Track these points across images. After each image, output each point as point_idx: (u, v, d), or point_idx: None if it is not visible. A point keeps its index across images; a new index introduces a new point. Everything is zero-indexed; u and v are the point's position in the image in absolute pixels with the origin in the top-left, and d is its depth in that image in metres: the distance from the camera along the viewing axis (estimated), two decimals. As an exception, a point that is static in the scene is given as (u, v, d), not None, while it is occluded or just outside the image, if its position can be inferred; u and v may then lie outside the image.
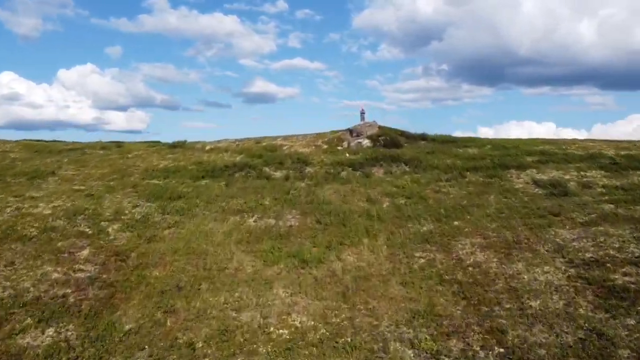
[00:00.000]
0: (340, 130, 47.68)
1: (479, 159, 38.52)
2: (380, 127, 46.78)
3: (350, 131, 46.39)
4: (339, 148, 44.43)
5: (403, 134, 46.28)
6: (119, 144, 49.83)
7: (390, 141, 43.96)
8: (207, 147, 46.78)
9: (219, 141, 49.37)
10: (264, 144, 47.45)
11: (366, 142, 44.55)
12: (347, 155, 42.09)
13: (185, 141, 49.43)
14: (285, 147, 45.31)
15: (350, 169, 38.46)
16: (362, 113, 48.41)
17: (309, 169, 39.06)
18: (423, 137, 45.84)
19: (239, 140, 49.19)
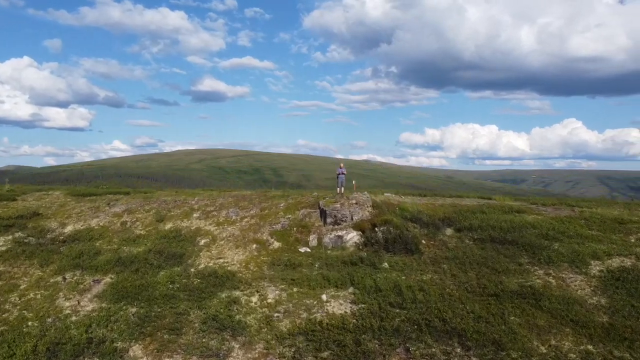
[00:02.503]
0: (304, 208, 25.83)
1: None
2: (375, 206, 24.98)
3: (324, 213, 24.52)
4: (302, 250, 22.52)
5: (415, 217, 24.64)
6: None
7: (397, 236, 22.31)
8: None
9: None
10: (167, 226, 25.62)
11: (352, 238, 22.76)
12: (317, 272, 20.20)
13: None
14: (198, 243, 23.32)
15: (319, 331, 16.53)
16: (341, 174, 26.79)
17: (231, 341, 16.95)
18: (448, 221, 24.33)
19: (130, 210, 26.95)
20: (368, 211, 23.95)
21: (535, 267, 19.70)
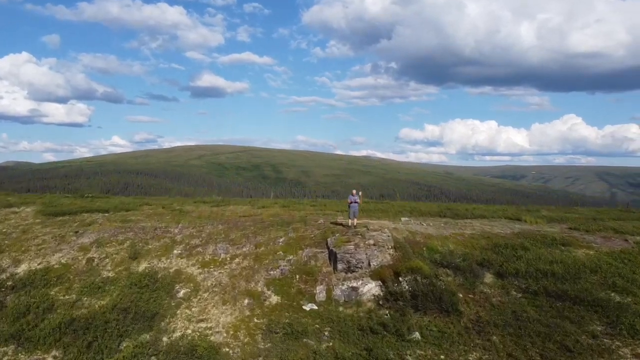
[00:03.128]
0: (309, 247, 20.73)
1: None
2: (397, 247, 19.81)
3: (333, 255, 19.39)
4: (307, 308, 17.47)
5: (447, 261, 19.55)
6: None
7: (427, 289, 17.27)
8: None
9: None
10: (142, 267, 20.57)
11: (370, 290, 17.72)
12: (327, 344, 15.18)
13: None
14: (177, 294, 18.24)
15: None
16: (354, 203, 21.61)
17: None
18: (486, 264, 19.32)
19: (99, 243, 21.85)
20: (389, 254, 18.87)
21: (617, 343, 14.69)
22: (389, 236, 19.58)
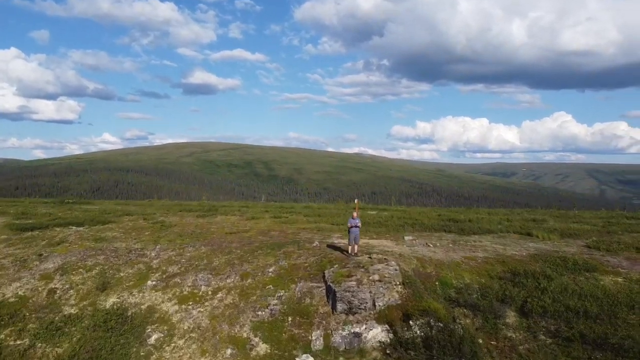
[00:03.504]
0: (303, 280, 17.77)
1: None
2: (406, 282, 16.87)
3: (332, 292, 16.43)
4: (298, 358, 14.61)
5: (463, 298, 16.75)
6: None
7: (443, 335, 14.50)
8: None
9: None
10: (110, 301, 17.56)
11: (376, 336, 14.88)
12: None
13: None
14: (147, 340, 15.27)
15: None
16: (354, 227, 18.46)
17: None
18: (507, 299, 16.56)
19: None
20: (397, 292, 16.01)
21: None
22: (396, 269, 16.70)
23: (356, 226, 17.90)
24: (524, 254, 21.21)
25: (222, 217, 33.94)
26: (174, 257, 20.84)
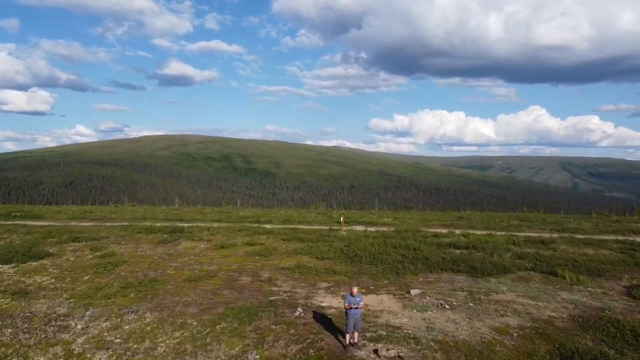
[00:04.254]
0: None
1: None
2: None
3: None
4: None
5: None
6: None
7: None
8: None
9: None
10: None
11: None
12: None
13: None
14: None
15: None
16: (355, 308, 12.95)
17: None
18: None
19: None
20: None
21: None
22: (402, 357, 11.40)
23: (356, 307, 12.52)
24: (565, 316, 16.24)
25: (186, 243, 28.32)
26: (106, 334, 15.12)
